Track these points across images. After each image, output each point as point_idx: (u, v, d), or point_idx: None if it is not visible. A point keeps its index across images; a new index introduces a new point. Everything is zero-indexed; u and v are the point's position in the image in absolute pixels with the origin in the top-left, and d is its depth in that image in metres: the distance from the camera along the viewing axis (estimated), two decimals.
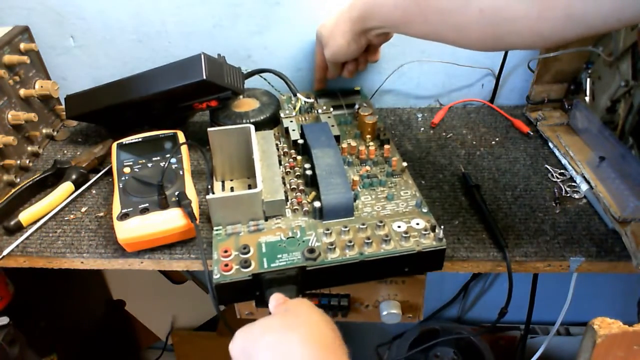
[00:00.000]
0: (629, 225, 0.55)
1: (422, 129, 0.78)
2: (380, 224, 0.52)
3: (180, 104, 0.69)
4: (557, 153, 0.70)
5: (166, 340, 1.30)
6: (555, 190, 0.64)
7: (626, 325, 0.46)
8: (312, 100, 0.74)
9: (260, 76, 0.76)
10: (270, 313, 0.48)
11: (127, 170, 0.63)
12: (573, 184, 0.65)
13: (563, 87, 0.75)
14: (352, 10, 0.61)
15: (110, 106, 0.70)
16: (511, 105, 0.83)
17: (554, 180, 0.66)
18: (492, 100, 0.85)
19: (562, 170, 0.67)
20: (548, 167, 0.68)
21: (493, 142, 0.74)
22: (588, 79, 0.71)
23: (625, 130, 0.64)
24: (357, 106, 0.72)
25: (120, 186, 0.60)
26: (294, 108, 0.73)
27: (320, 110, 0.72)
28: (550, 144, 0.72)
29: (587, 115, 0.68)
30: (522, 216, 0.61)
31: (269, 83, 0.77)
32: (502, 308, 0.55)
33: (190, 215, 0.55)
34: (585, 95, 0.71)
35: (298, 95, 0.73)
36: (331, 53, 0.67)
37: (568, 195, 0.64)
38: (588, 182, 0.62)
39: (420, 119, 0.80)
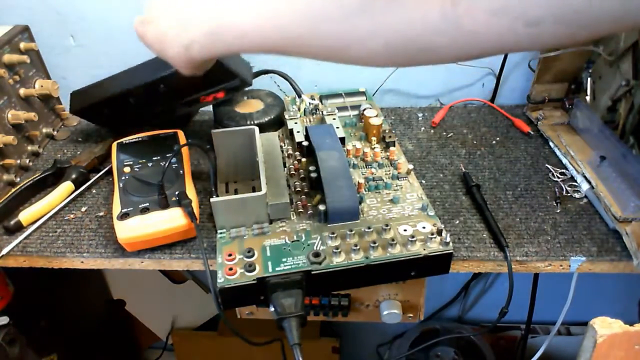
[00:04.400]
0: (629, 225, 0.55)
1: (423, 128, 0.78)
2: (385, 228, 0.52)
3: (186, 96, 0.67)
4: (557, 152, 0.70)
5: (166, 340, 1.30)
6: (556, 190, 0.64)
7: (627, 324, 0.46)
8: (316, 101, 0.73)
9: (270, 77, 0.75)
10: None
11: (127, 169, 0.63)
12: (574, 183, 0.65)
13: (564, 87, 0.75)
14: (184, 37, 0.42)
15: (114, 96, 0.68)
16: (512, 104, 0.83)
17: (554, 179, 0.66)
18: (492, 99, 0.85)
19: (562, 170, 0.67)
20: (549, 166, 0.68)
21: (494, 142, 0.74)
22: (589, 79, 0.71)
23: (626, 130, 0.64)
24: (362, 108, 0.72)
25: (121, 186, 0.60)
26: (299, 109, 0.72)
27: (325, 112, 0.71)
28: (551, 144, 0.72)
29: (587, 114, 0.68)
30: (523, 216, 0.61)
31: (275, 82, 0.77)
32: (502, 308, 0.54)
33: (190, 214, 0.55)
34: (586, 95, 0.71)
35: (303, 96, 0.73)
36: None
37: (569, 194, 0.63)
38: (589, 182, 0.62)
39: (420, 118, 0.80)
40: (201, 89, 0.67)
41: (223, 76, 0.65)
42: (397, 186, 0.59)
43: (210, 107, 0.75)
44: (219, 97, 0.68)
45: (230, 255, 0.50)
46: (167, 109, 0.70)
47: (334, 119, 0.70)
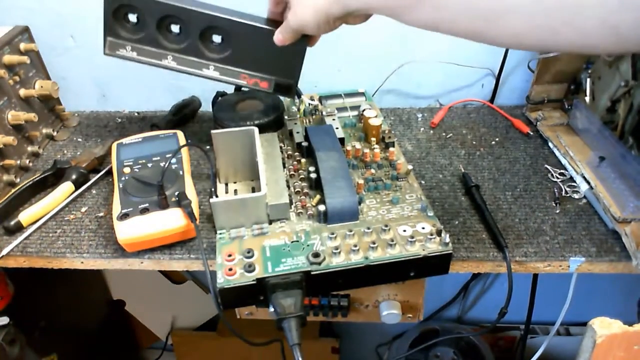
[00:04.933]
0: (629, 225, 0.55)
1: (422, 129, 0.78)
2: (385, 228, 0.52)
3: (233, 61, 0.63)
4: (557, 153, 0.70)
5: (166, 340, 1.30)
6: (555, 190, 0.64)
7: (626, 325, 0.46)
8: (316, 102, 0.73)
9: None
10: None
11: (127, 170, 0.63)
12: (573, 184, 0.65)
13: (563, 87, 0.75)
14: None
15: (167, 8, 0.60)
16: (511, 105, 0.83)
17: (554, 180, 0.66)
18: (492, 100, 0.85)
19: (562, 170, 0.67)
20: (548, 167, 0.68)
21: (493, 142, 0.74)
22: (588, 79, 0.71)
23: (625, 130, 0.64)
24: (362, 108, 0.72)
25: (120, 186, 0.60)
26: (298, 110, 0.72)
27: (324, 112, 0.71)
28: (550, 144, 0.72)
29: (587, 115, 0.68)
30: (522, 216, 0.61)
31: None
32: (502, 308, 0.54)
33: (190, 215, 0.55)
34: (585, 95, 0.71)
35: (302, 97, 0.73)
36: (295, 23, 0.53)
37: (568, 195, 0.64)
38: (588, 182, 0.62)
39: (420, 119, 0.80)
40: (256, 66, 0.63)
41: (288, 68, 0.62)
42: (396, 187, 0.59)
43: (210, 108, 0.76)
44: (261, 85, 0.64)
45: (229, 255, 0.50)
46: (200, 63, 0.63)
47: (334, 119, 0.70)
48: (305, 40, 0.57)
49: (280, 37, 0.56)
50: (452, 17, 0.41)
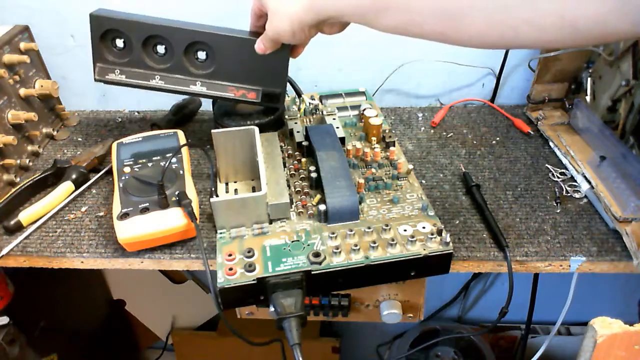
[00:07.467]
0: (629, 225, 0.55)
1: (423, 128, 0.78)
2: (385, 228, 0.52)
3: (220, 76, 0.65)
4: (557, 152, 0.70)
5: (166, 340, 1.30)
6: (556, 190, 0.64)
7: (627, 324, 0.46)
8: (316, 101, 0.73)
9: None
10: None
11: (127, 169, 0.63)
12: (574, 183, 0.65)
13: (564, 87, 0.75)
14: None
15: (153, 28, 0.63)
16: (512, 104, 0.83)
17: (554, 179, 0.66)
18: (492, 99, 0.85)
19: (562, 170, 0.67)
20: (549, 166, 0.68)
21: (494, 142, 0.74)
22: (589, 79, 0.71)
23: (626, 130, 0.64)
24: (362, 107, 0.72)
25: (121, 186, 0.60)
26: (299, 109, 0.72)
27: (325, 112, 0.71)
28: (551, 144, 0.72)
29: (587, 114, 0.68)
30: (523, 216, 0.61)
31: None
32: (502, 308, 0.54)
33: (190, 214, 0.55)
34: (586, 95, 0.71)
35: (303, 96, 0.73)
36: (271, 32, 0.55)
37: (569, 194, 0.63)
38: (589, 182, 0.62)
39: (420, 118, 0.80)
40: (241, 78, 0.65)
41: (274, 76, 0.64)
42: (397, 186, 0.59)
43: (210, 107, 0.75)
44: (249, 97, 0.66)
45: (230, 255, 0.50)
46: (187, 80, 0.65)
47: (334, 119, 0.70)
48: (287, 48, 0.60)
49: (261, 45, 0.58)
50: (420, 18, 0.43)
